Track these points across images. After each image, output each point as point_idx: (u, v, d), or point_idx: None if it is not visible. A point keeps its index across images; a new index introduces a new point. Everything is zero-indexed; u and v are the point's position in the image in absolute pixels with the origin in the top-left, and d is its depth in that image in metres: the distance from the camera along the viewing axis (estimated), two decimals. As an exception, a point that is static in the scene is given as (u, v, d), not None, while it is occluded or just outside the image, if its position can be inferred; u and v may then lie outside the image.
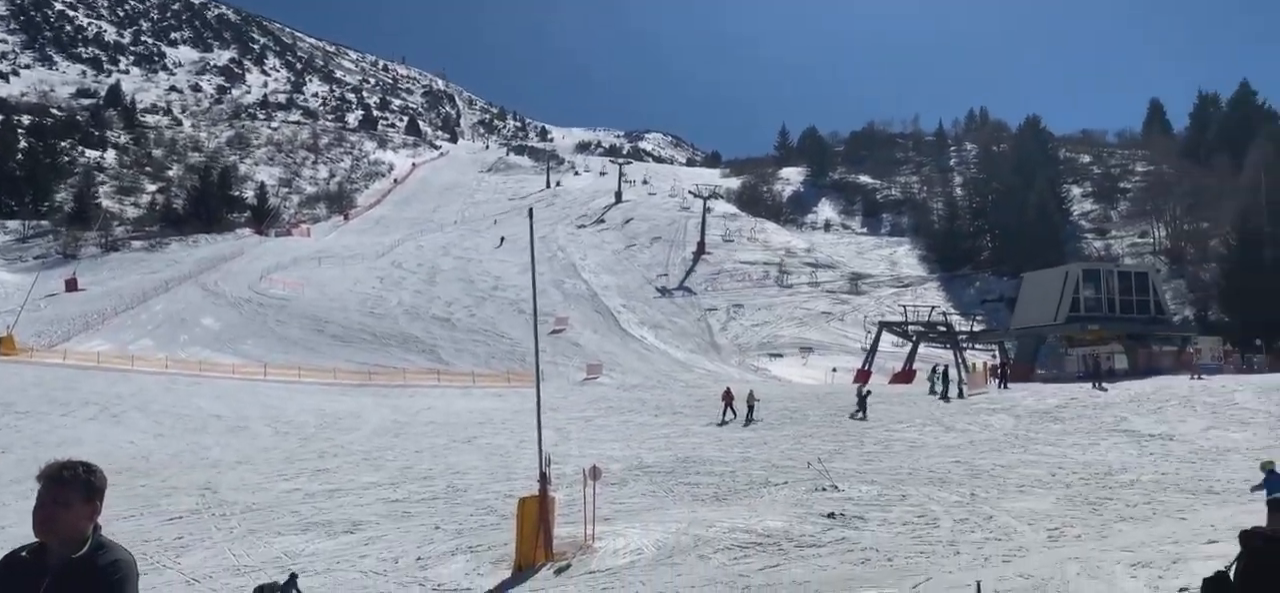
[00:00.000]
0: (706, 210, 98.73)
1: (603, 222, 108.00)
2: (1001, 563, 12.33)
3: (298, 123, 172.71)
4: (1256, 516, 13.35)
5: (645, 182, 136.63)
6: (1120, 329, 48.85)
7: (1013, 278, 71.98)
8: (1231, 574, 5.05)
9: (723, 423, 32.62)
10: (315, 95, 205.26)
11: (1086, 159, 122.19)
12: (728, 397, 34.55)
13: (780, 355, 65.85)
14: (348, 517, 19.37)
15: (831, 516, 16.08)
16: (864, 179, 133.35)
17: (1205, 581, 5.20)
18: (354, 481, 23.94)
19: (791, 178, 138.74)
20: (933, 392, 37.07)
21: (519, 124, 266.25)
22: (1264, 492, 13.21)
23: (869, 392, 33.82)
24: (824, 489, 19.04)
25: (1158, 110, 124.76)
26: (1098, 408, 29.39)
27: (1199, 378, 35.00)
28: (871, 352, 56.03)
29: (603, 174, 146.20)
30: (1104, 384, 34.19)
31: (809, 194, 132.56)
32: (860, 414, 31.43)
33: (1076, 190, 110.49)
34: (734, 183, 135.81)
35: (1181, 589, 10.36)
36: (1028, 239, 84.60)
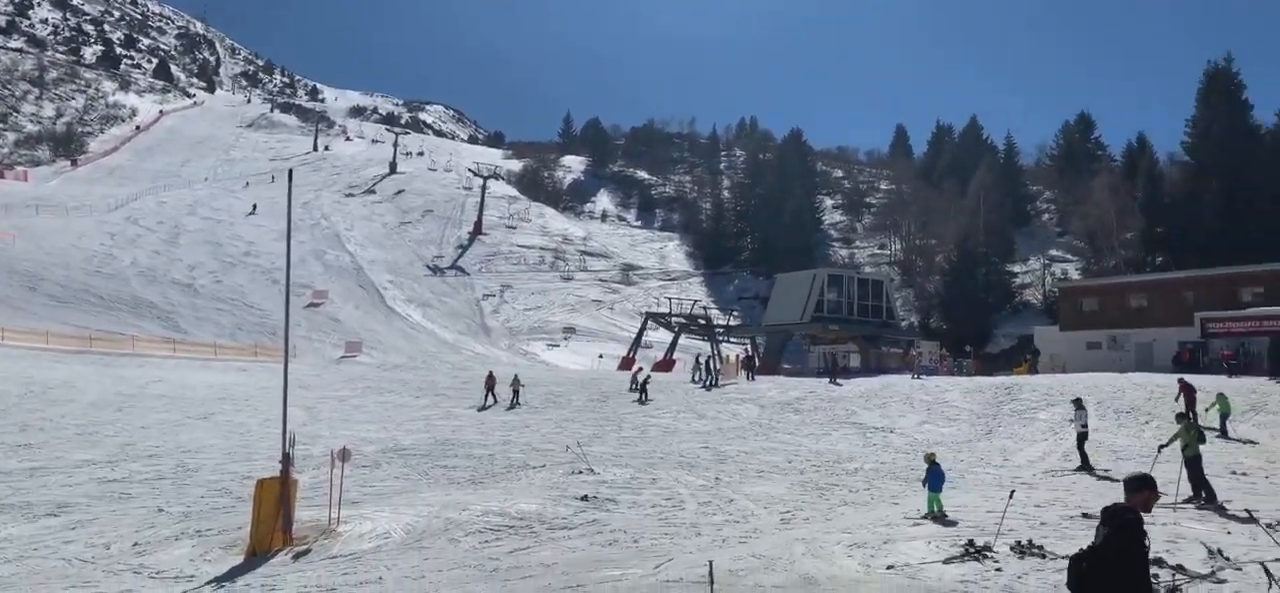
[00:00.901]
0: (485, 190, 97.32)
1: (374, 193, 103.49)
2: (738, 544, 13.09)
3: (19, 50, 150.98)
4: (927, 498, 14.95)
5: (423, 154, 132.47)
6: (857, 330, 53.58)
7: (768, 278, 76.86)
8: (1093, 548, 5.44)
9: (484, 407, 32.30)
10: (45, 21, 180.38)
11: (839, 174, 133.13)
12: (490, 381, 34.29)
13: (555, 344, 66.34)
14: (52, 498, 17.21)
15: (585, 498, 16.37)
16: (641, 174, 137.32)
17: (1072, 558, 5.49)
18: (63, 458, 21.32)
19: (573, 166, 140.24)
20: (695, 380, 38.90)
21: (287, 80, 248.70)
22: (931, 480, 14.87)
23: (649, 376, 35.04)
24: (580, 473, 19.36)
25: (903, 135, 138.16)
26: (832, 401, 32.04)
27: (919, 378, 39.08)
28: (637, 340, 57.75)
29: (376, 142, 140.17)
30: (839, 380, 37.32)
31: (589, 183, 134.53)
32: (640, 397, 32.71)
33: (829, 202, 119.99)
34: (516, 165, 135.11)
35: (889, 566, 11.52)
36: (783, 243, 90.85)
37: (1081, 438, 20.27)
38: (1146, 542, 5.43)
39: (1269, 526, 12.20)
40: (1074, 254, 78.97)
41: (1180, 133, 71.17)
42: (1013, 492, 13.82)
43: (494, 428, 27.53)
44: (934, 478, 14.90)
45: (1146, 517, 5.56)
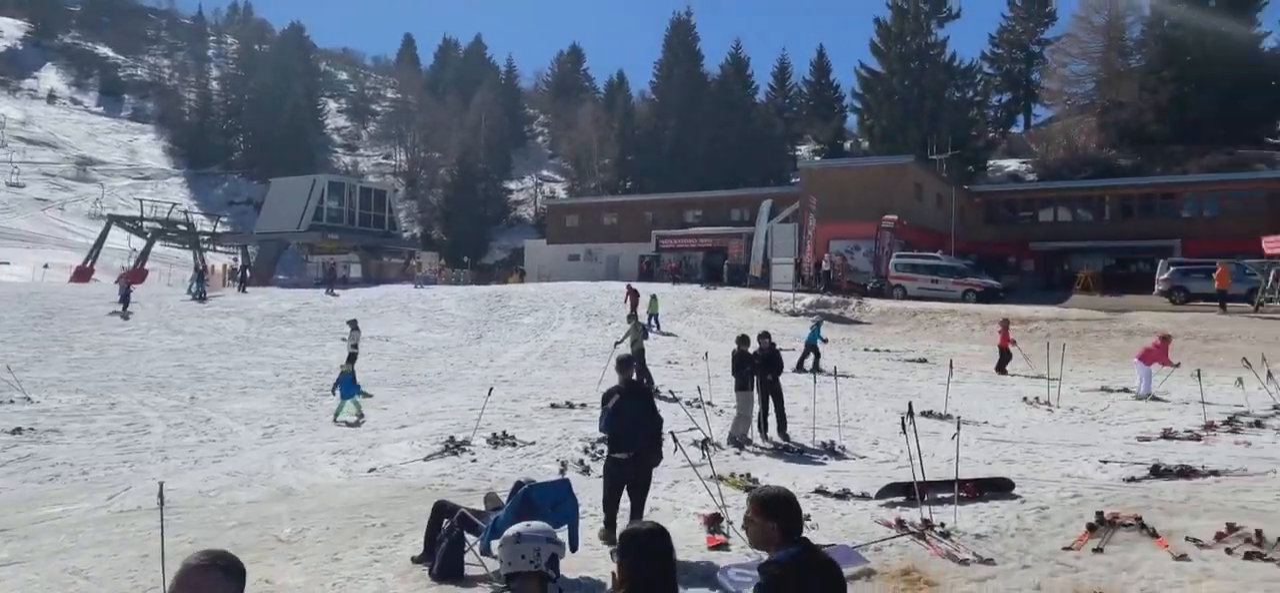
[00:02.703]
0: None
1: None
2: (212, 463, 12.22)
3: None
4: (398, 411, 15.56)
5: None
6: (358, 240, 52.71)
7: (263, 182, 71.46)
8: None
9: None
10: None
11: (344, 77, 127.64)
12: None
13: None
14: None
15: (17, 431, 13.82)
16: (105, 50, 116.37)
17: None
18: None
19: (4, 30, 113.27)
20: (190, 292, 34.77)
21: None
22: (343, 387, 15.85)
23: (130, 286, 30.50)
24: (12, 402, 16.25)
25: (410, 44, 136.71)
26: (328, 312, 31.26)
27: (419, 288, 39.93)
28: (98, 246, 49.66)
29: None
30: (337, 291, 36.50)
31: (30, 55, 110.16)
32: (123, 310, 28.42)
33: (333, 105, 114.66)
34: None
35: (371, 469, 11.74)
36: (281, 146, 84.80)
37: (352, 358, 18.21)
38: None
39: (689, 403, 14.91)
40: (562, 175, 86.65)
41: (650, 74, 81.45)
42: (491, 389, 14.97)
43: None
44: (345, 386, 15.60)
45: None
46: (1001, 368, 20.20)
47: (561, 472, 10.67)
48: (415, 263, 52.43)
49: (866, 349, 24.46)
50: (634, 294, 29.30)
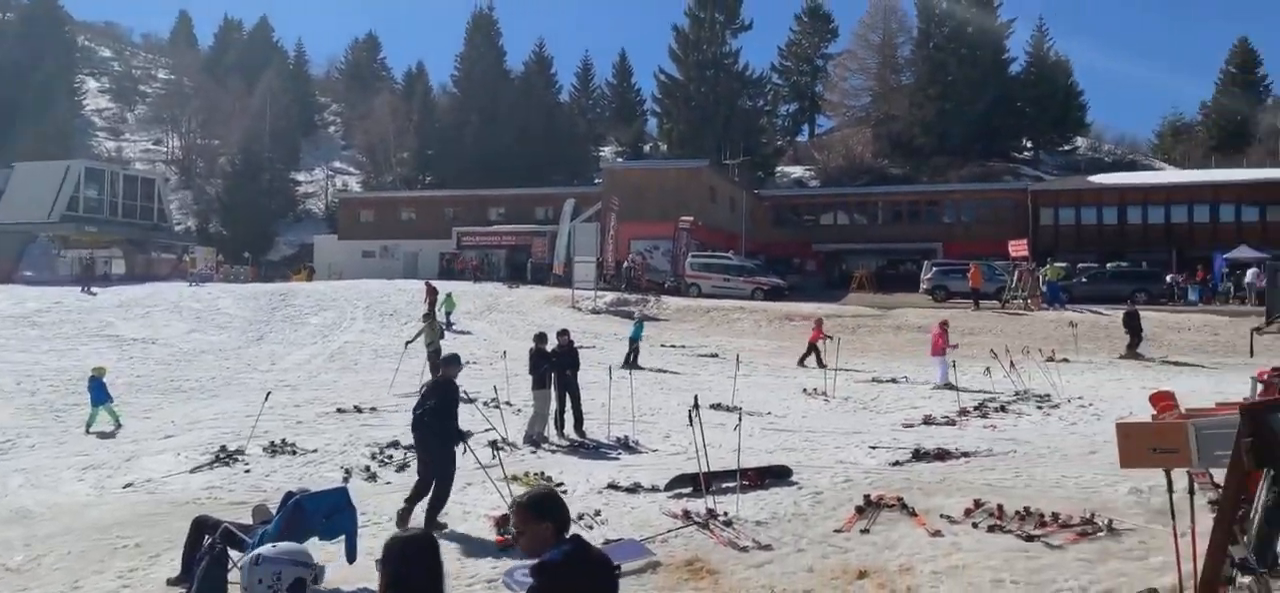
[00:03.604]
0: None
1: None
2: (-76, 488, 10.58)
3: None
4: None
5: None
6: (121, 233, 47.89)
7: (5, 166, 63.35)
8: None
9: None
10: None
11: (107, 53, 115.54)
12: None
13: None
14: None
15: None
16: None
17: (415, 410, 8.52)
18: None
19: None
20: None
21: None
22: (94, 393, 14.28)
23: None
24: None
25: (186, 22, 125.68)
26: (84, 313, 28.15)
27: (193, 285, 36.80)
28: None
29: None
30: (94, 289, 32.96)
31: None
32: None
33: (93, 84, 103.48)
34: None
35: (127, 485, 10.59)
36: (29, 127, 75.20)
37: None
38: (460, 396, 8.85)
39: (486, 403, 14.58)
40: (356, 167, 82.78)
41: (451, 66, 79.35)
42: (268, 394, 13.99)
43: None
44: (97, 392, 14.21)
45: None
46: (803, 361, 21.14)
47: (345, 480, 10.11)
48: (189, 259, 48.28)
49: (663, 345, 25.07)
50: (433, 292, 28.50)
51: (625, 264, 38.47)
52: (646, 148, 73.75)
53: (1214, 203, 44.15)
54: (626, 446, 12.04)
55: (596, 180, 55.39)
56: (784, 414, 14.58)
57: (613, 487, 9.25)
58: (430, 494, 8.11)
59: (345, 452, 11.96)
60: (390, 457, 11.48)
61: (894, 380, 18.70)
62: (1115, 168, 60.38)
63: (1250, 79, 67.49)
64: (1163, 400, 6.71)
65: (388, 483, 10.36)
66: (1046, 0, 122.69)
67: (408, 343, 18.79)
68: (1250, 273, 32.33)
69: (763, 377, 19.66)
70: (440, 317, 26.20)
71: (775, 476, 9.47)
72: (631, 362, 20.72)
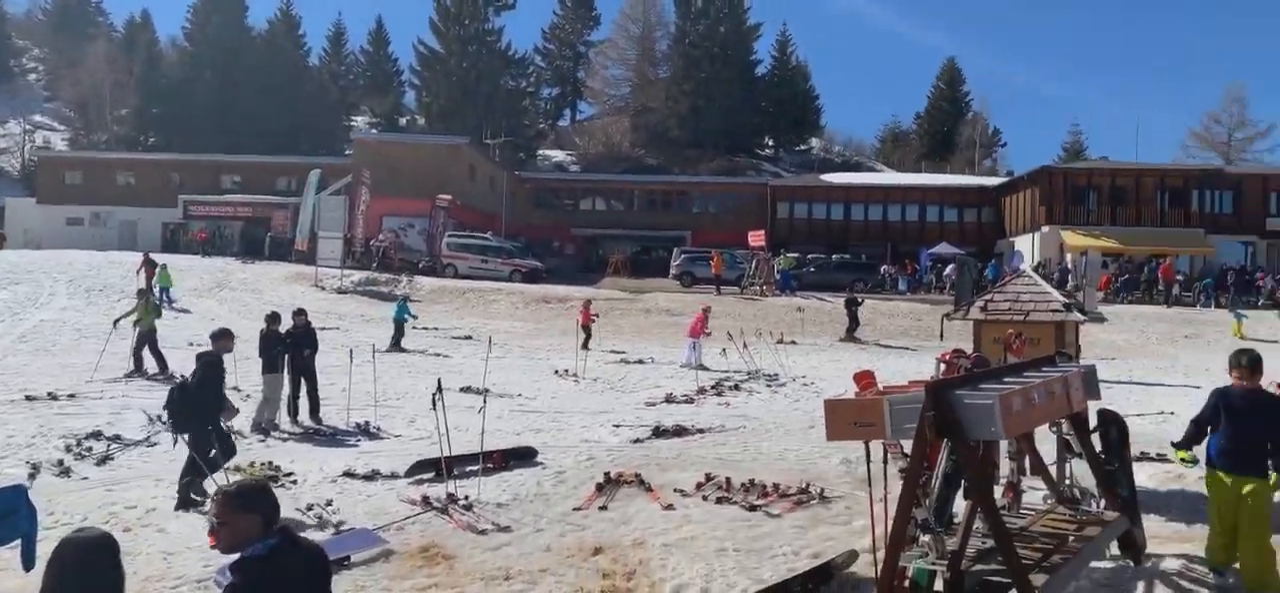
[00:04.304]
0: None
1: None
2: None
3: None
4: None
5: None
6: None
7: None
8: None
9: None
10: None
11: None
12: None
13: None
14: None
15: None
16: None
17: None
18: None
19: None
20: None
21: None
22: None
23: None
24: None
25: None
26: None
27: None
28: None
29: None
30: None
31: None
32: None
33: None
34: None
35: None
36: None
37: None
38: (224, 374, 8.75)
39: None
40: (62, 123, 72.92)
41: (183, 17, 71.61)
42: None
43: None
44: None
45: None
46: (586, 344, 21.20)
47: (30, 476, 8.84)
48: None
49: (415, 327, 24.30)
50: (150, 265, 25.71)
51: (376, 242, 36.90)
52: (403, 121, 71.00)
53: (922, 204, 49.73)
54: (367, 432, 11.52)
55: (347, 152, 52.58)
56: (534, 396, 14.62)
57: (348, 475, 8.81)
58: (183, 468, 7.99)
59: (34, 445, 10.48)
60: (89, 450, 10.21)
61: (642, 361, 19.34)
62: (844, 168, 66.36)
63: (956, 96, 76.64)
64: (864, 379, 7.40)
65: (85, 478, 9.21)
66: (789, 8, 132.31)
67: (117, 322, 16.77)
68: (950, 267, 36.78)
69: (516, 359, 19.61)
70: (158, 293, 23.77)
71: (520, 457, 9.45)
72: (397, 343, 20.24)
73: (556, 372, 17.38)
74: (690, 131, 66.11)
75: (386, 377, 15.09)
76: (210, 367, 8.48)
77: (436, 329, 24.50)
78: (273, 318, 12.46)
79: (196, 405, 8.13)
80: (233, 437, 9.70)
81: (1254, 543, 5.48)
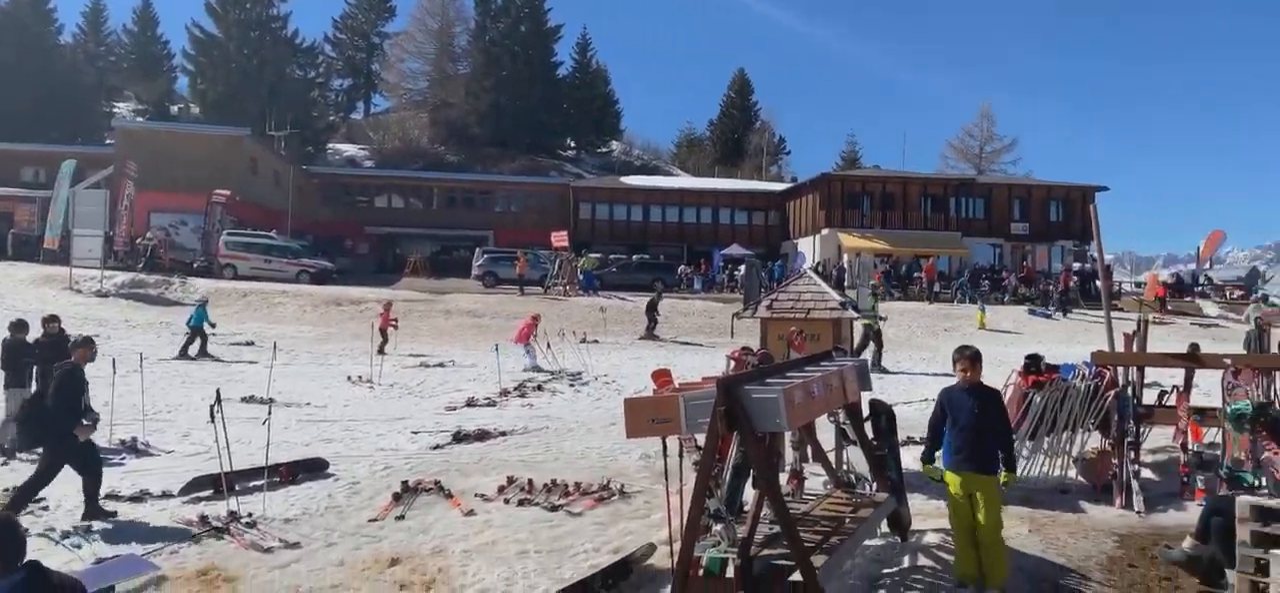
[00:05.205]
0: None
1: None
2: None
3: None
4: None
5: None
6: None
7: None
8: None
9: None
10: None
11: None
12: None
13: None
14: None
15: None
16: None
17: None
18: None
19: None
20: None
21: None
22: None
23: None
24: None
25: None
26: None
27: None
28: None
29: None
30: None
31: None
32: None
33: None
34: None
35: None
36: None
37: None
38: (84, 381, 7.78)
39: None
40: None
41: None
42: None
43: None
44: None
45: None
46: (382, 348, 20.21)
47: None
48: None
49: (215, 334, 22.43)
50: None
51: (142, 240, 33.71)
52: (175, 109, 65.22)
53: (716, 207, 51.87)
54: (133, 449, 10.50)
55: (108, 141, 47.62)
56: (325, 404, 13.90)
57: (112, 497, 8.00)
58: (83, 485, 7.48)
59: None
60: None
61: (442, 364, 18.91)
62: (643, 171, 67.93)
63: (746, 105, 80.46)
64: (661, 377, 7.64)
65: None
66: (589, 13, 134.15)
67: None
68: (742, 268, 38.62)
69: (305, 365, 18.57)
70: None
71: (309, 469, 8.98)
72: (201, 348, 19.09)
73: (350, 378, 16.63)
74: (491, 129, 65.26)
75: (156, 388, 13.85)
76: (67, 379, 7.64)
77: (214, 334, 22.73)
78: (18, 325, 11.12)
79: (57, 420, 7.46)
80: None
81: (990, 541, 5.58)
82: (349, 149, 66.74)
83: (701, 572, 5.32)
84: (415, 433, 11.51)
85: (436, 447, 10.57)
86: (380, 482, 8.56)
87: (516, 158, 62.85)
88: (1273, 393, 9.06)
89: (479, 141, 65.41)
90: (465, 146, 65.16)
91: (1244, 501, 5.69)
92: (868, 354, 18.34)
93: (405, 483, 8.21)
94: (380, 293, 29.48)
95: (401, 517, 7.47)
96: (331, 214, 48.54)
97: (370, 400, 14.59)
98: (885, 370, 18.75)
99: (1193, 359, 9.13)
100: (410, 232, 48.38)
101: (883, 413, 7.03)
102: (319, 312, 27.34)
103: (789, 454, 7.72)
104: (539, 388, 15.84)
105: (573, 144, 73.71)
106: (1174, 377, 9.53)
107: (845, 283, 33.44)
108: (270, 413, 9.23)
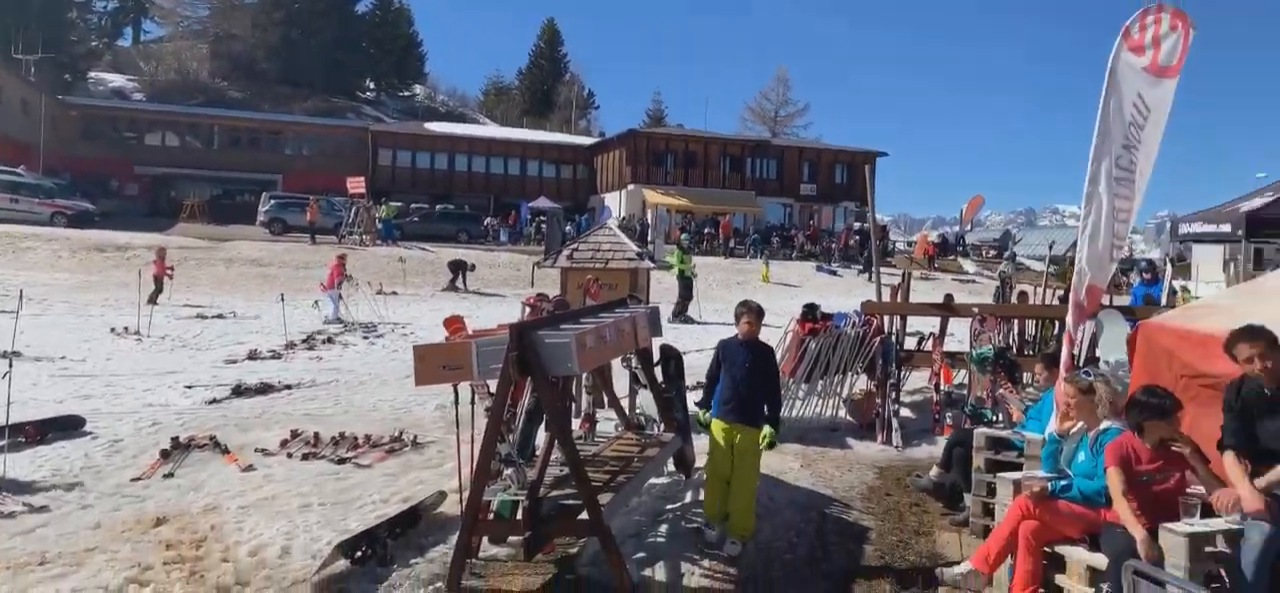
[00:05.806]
0: None
1: None
2: None
3: None
4: None
5: None
6: None
7: None
8: None
9: None
10: None
11: None
12: None
13: None
14: None
15: None
16: None
17: None
18: None
19: None
20: None
21: None
22: None
23: None
24: None
25: None
26: None
27: None
28: None
29: None
30: None
31: None
32: None
33: None
34: None
35: None
36: None
37: None
38: None
39: None
40: None
41: None
42: None
43: None
44: None
45: None
46: (154, 298, 18.40)
47: None
48: None
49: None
50: None
51: None
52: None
53: (523, 158, 51.36)
54: None
55: None
56: (84, 358, 12.62)
57: None
58: None
59: None
60: None
61: (222, 316, 17.66)
62: (448, 118, 65.90)
63: (556, 56, 79.73)
64: (453, 324, 7.55)
65: None
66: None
67: None
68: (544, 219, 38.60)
69: (60, 316, 16.75)
70: None
71: (62, 428, 8.15)
72: None
73: (114, 330, 15.17)
74: (281, 66, 60.93)
75: None
76: None
77: (-54, 281, 20.04)
78: None
79: None
80: None
81: (741, 491, 5.71)
82: (115, 80, 60.14)
83: (492, 516, 5.34)
84: (189, 388, 10.71)
85: (213, 401, 9.90)
86: (147, 439, 7.92)
87: (309, 98, 59.14)
88: (1010, 339, 10.22)
89: (267, 78, 60.95)
90: (251, 83, 60.51)
91: (980, 432, 6.43)
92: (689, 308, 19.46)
93: (175, 439, 7.64)
94: (152, 239, 27.02)
95: (170, 474, 6.96)
96: (94, 151, 43.79)
97: (138, 354, 13.40)
98: (691, 319, 19.51)
99: (947, 309, 10.14)
100: (187, 172, 44.59)
101: (672, 358, 7.30)
102: (77, 258, 24.70)
103: (584, 399, 7.86)
104: (329, 341, 15.15)
105: (372, 86, 70.35)
106: (931, 325, 10.53)
107: (648, 237, 34.27)
108: (11, 365, 8.27)
